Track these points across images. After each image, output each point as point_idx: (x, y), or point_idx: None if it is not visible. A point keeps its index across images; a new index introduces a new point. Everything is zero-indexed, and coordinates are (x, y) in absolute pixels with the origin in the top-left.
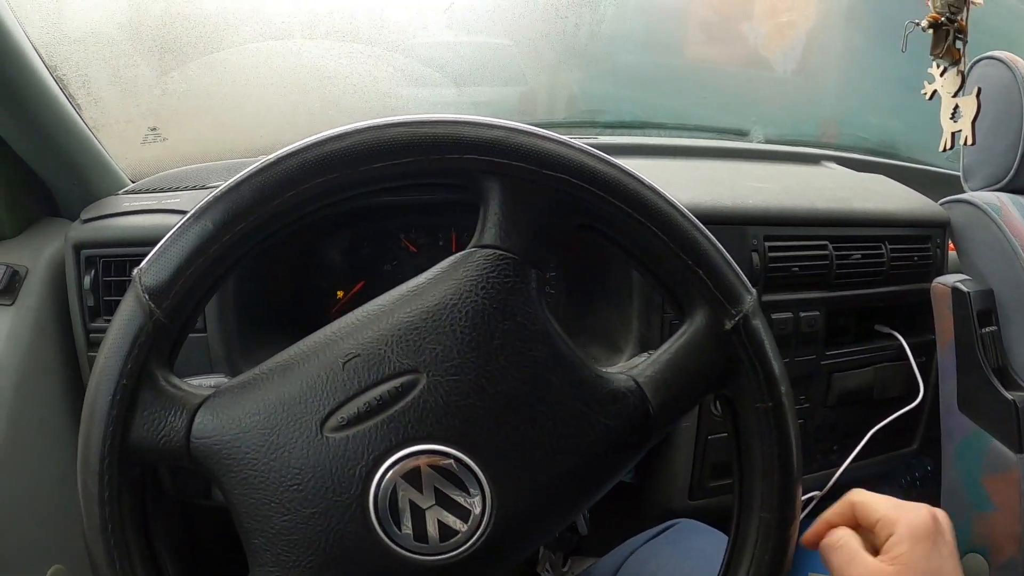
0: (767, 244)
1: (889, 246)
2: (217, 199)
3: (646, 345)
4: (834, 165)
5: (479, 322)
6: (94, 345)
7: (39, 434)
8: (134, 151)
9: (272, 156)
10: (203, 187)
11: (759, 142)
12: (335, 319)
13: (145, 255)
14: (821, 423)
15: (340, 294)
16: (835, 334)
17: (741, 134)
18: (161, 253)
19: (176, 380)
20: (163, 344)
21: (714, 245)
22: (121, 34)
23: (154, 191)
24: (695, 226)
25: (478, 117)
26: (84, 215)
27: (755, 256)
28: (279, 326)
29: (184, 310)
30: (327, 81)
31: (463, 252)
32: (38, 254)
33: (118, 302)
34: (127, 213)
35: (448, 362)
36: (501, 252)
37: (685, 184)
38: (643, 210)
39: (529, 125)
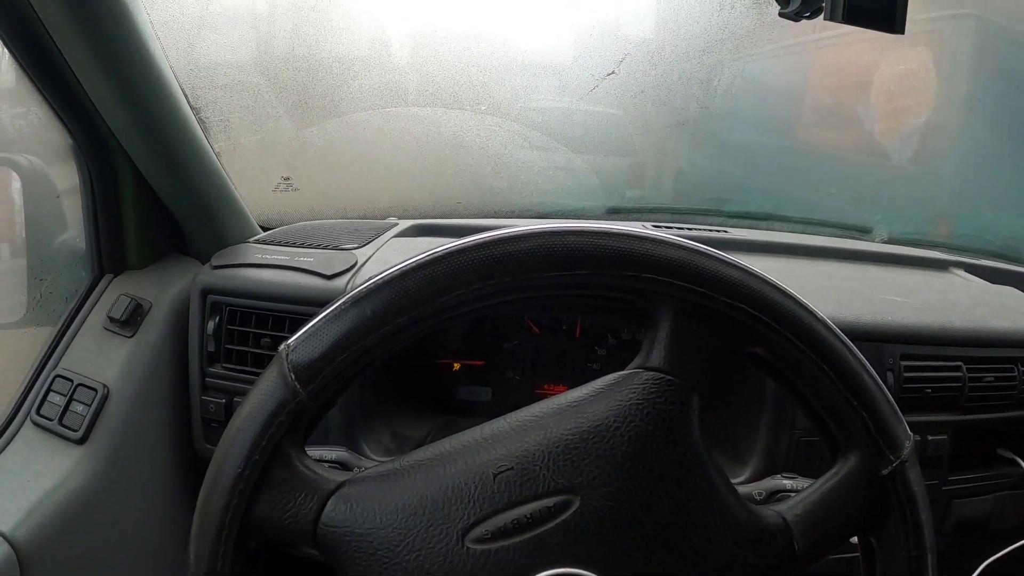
0: (903, 363)
1: (1022, 368)
2: (380, 287)
3: (772, 460)
4: (963, 273)
5: (640, 448)
6: (209, 388)
7: (143, 465)
8: (266, 198)
9: (440, 250)
10: (335, 247)
11: (882, 240)
12: (452, 390)
13: (272, 310)
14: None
15: (457, 366)
16: (957, 457)
17: (863, 231)
18: (313, 333)
19: (309, 461)
20: (301, 424)
21: (880, 387)
22: (267, 85)
23: (285, 244)
24: (864, 367)
25: (657, 233)
26: (215, 261)
27: (890, 376)
28: (397, 396)
29: (328, 393)
30: (456, 148)
31: (627, 372)
32: (163, 290)
33: (238, 351)
34: (258, 265)
35: (605, 487)
36: (668, 377)
37: (822, 294)
38: (815, 346)
39: (706, 246)
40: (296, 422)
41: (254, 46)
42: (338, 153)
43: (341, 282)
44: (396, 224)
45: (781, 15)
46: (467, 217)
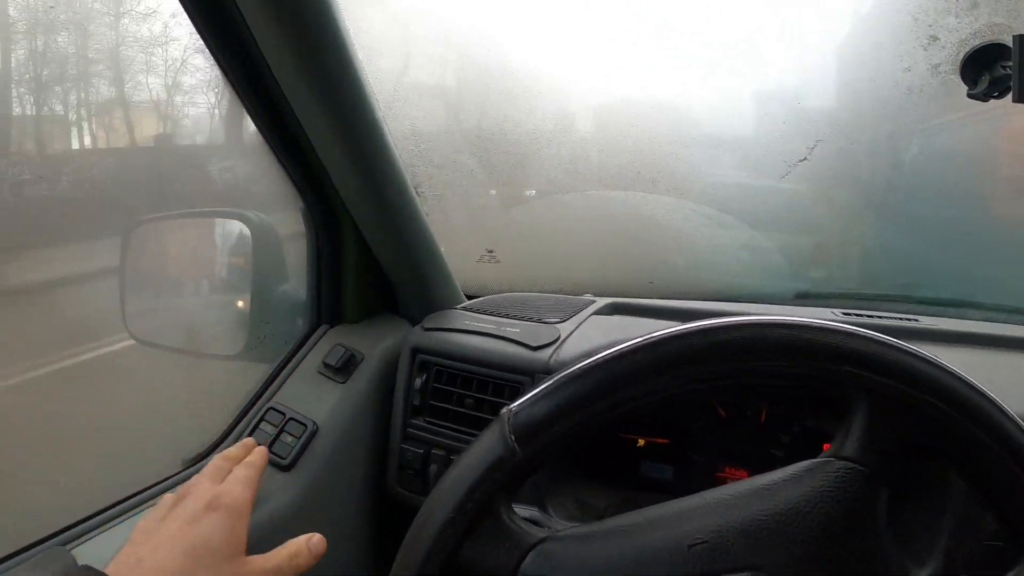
0: None
1: None
2: (598, 365)
3: (951, 564)
4: None
5: (828, 535)
6: (408, 438)
7: (338, 498)
8: (469, 267)
9: (657, 335)
10: (539, 320)
11: None
12: (635, 465)
13: (477, 374)
14: None
15: (642, 442)
16: None
17: None
18: (535, 401)
19: (515, 516)
20: (513, 482)
21: None
22: (480, 167)
23: (490, 313)
24: None
25: (856, 328)
26: (427, 323)
27: None
28: (584, 466)
29: (541, 456)
30: (646, 229)
31: (820, 460)
32: (375, 344)
33: (441, 407)
34: (467, 331)
35: (790, 568)
36: (859, 467)
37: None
38: (1007, 446)
39: (901, 342)
40: (509, 479)
41: (467, 129)
42: (538, 230)
43: (545, 354)
44: (593, 301)
45: (970, 96)
46: (657, 297)
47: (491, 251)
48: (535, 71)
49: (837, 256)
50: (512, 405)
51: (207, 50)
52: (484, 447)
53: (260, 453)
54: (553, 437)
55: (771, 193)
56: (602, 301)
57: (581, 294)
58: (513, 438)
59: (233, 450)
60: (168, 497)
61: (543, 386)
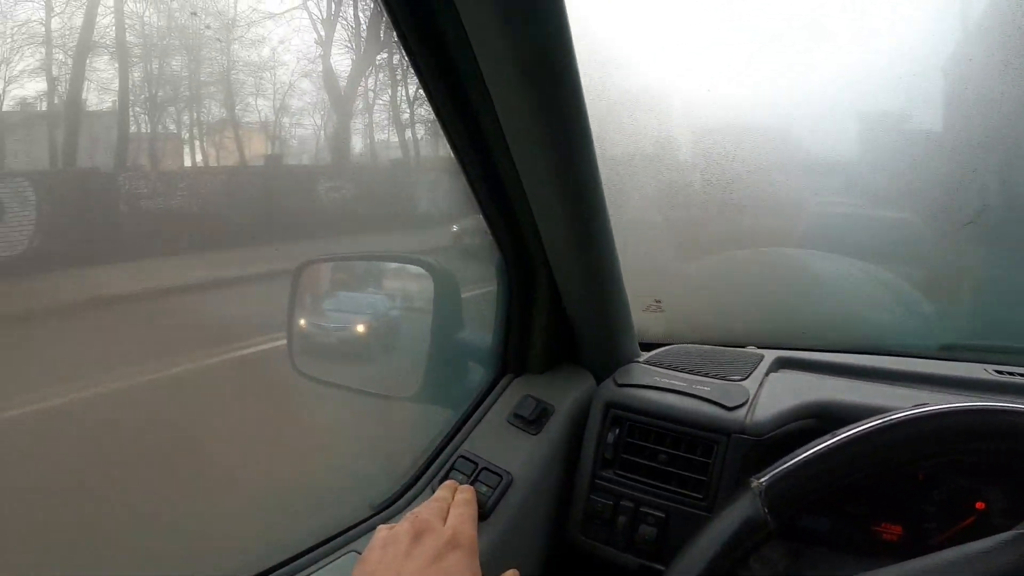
0: None
1: None
2: (848, 442)
3: None
4: None
5: None
6: (597, 489)
7: (526, 544)
8: (636, 315)
9: (902, 416)
10: (723, 377)
11: None
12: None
13: (671, 431)
14: None
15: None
16: None
17: None
18: (787, 474)
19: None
20: (760, 546)
21: None
22: (664, 224)
23: (674, 368)
24: None
25: None
26: (619, 379)
27: None
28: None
29: (788, 523)
30: (804, 282)
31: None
32: (564, 397)
33: (632, 461)
34: (660, 389)
35: None
36: None
37: None
38: None
39: None
40: (758, 544)
41: (660, 187)
42: (704, 282)
43: (740, 415)
44: (761, 356)
45: None
46: (810, 347)
47: (658, 301)
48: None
49: (985, 307)
50: (763, 478)
51: (426, 96)
52: (740, 516)
53: (471, 492)
54: (804, 508)
55: (927, 245)
56: (769, 356)
57: (742, 345)
58: (766, 510)
59: (441, 491)
60: (384, 533)
61: (796, 460)
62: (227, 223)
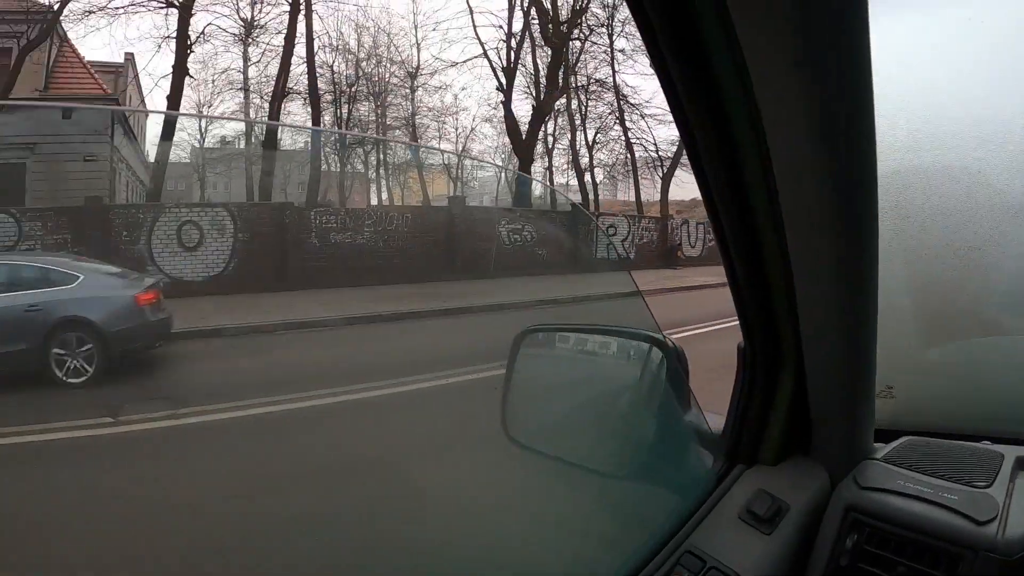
0: None
1: None
2: None
3: None
4: None
5: None
6: None
7: None
8: None
9: None
10: (968, 483)
11: None
12: None
13: (915, 542)
14: None
15: None
16: None
17: None
18: None
19: None
20: None
21: None
22: (911, 307)
23: (915, 469)
24: None
25: None
26: (861, 480)
27: None
28: None
29: None
30: None
31: None
32: (798, 494)
33: (869, 571)
34: (907, 496)
35: None
36: None
37: None
38: None
39: None
40: None
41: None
42: (942, 368)
43: (991, 530)
44: (1000, 456)
45: None
46: None
47: (890, 387)
48: None
49: None
50: None
51: (689, 159)
52: None
53: None
54: None
55: None
56: (1009, 455)
57: (975, 437)
58: None
59: None
60: None
61: None
62: (412, 259)
